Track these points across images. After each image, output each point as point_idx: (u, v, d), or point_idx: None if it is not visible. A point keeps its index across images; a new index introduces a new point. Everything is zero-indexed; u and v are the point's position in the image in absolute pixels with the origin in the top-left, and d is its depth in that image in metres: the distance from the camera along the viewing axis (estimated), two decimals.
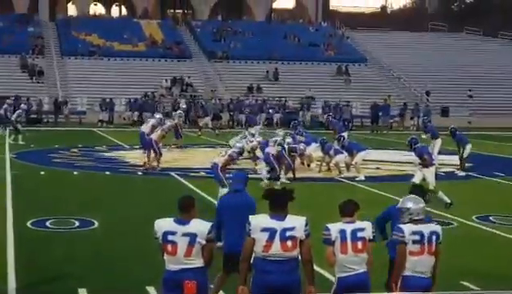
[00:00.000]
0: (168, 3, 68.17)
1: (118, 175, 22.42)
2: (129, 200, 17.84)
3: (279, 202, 7.26)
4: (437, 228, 7.75)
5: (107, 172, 22.77)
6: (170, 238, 7.21)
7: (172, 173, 22.37)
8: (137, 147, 26.54)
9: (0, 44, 51.44)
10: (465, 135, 25.42)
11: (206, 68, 55.46)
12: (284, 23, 67.18)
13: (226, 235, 8.90)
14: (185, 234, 7.20)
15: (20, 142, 30.96)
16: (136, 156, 26.20)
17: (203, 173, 21.78)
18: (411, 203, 7.73)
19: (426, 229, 7.62)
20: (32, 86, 49.27)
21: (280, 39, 59.42)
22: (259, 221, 7.21)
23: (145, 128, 24.54)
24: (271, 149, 20.61)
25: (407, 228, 7.58)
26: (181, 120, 31.48)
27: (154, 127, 24.06)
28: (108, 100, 46.36)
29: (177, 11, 70.89)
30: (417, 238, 7.53)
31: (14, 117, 33.29)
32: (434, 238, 7.61)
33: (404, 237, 7.52)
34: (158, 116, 26.22)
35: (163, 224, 7.33)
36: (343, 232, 7.50)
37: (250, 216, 7.35)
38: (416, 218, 7.65)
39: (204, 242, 7.23)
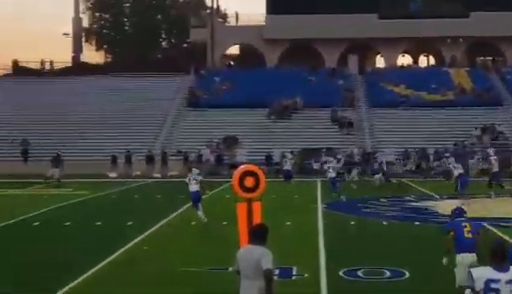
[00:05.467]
0: (477, 50, 66.75)
1: (428, 226, 22.06)
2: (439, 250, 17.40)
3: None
4: None
5: (417, 222, 22.58)
6: (493, 285, 7.14)
7: (484, 223, 21.57)
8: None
9: (313, 98, 53.46)
10: None
11: None
12: None
13: None
14: (508, 282, 7.14)
15: None
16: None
17: None
18: None
19: None
20: (341, 137, 50.61)
21: None
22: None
23: None
24: None
25: None
26: None
27: None
28: (418, 150, 46.38)
29: (487, 57, 69.15)
30: None
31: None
32: None
33: None
34: None
35: (485, 273, 7.25)
36: None
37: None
38: None
39: None
